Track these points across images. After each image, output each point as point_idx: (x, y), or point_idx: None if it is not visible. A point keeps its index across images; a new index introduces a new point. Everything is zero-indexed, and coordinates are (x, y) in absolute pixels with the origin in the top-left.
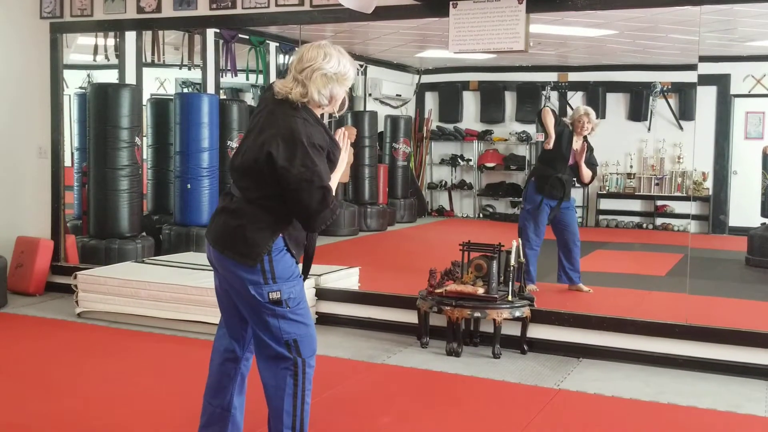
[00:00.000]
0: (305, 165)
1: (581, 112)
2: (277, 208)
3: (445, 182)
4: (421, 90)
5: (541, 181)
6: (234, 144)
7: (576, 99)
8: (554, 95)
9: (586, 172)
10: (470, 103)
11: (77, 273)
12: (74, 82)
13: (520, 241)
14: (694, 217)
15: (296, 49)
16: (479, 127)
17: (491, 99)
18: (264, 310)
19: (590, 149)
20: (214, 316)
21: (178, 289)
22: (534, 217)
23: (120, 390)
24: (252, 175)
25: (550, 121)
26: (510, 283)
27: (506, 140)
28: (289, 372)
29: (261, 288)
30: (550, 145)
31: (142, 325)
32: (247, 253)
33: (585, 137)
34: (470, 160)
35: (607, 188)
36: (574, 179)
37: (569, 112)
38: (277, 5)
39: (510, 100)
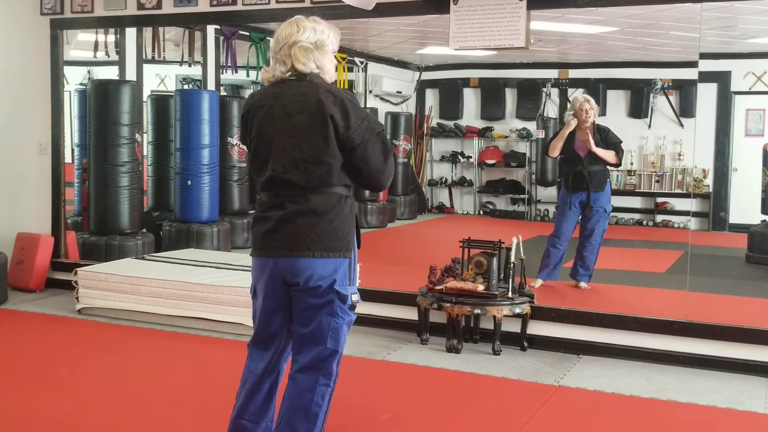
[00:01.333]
0: (359, 117)
1: (580, 102)
2: (350, 185)
3: (446, 179)
4: (421, 87)
5: (565, 179)
6: (235, 140)
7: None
8: (555, 92)
9: (605, 154)
10: (471, 100)
11: (77, 269)
12: (74, 78)
13: (519, 238)
14: (695, 214)
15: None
16: (480, 124)
17: (492, 96)
18: (340, 315)
19: (603, 131)
20: (214, 312)
21: (178, 286)
22: (561, 214)
23: (120, 386)
24: (323, 158)
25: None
26: (510, 280)
27: (506, 137)
28: (329, 390)
29: (347, 289)
30: (554, 153)
31: (143, 321)
32: (340, 246)
33: (594, 122)
34: (470, 157)
35: None
36: (606, 167)
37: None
38: (277, 2)
39: (510, 97)
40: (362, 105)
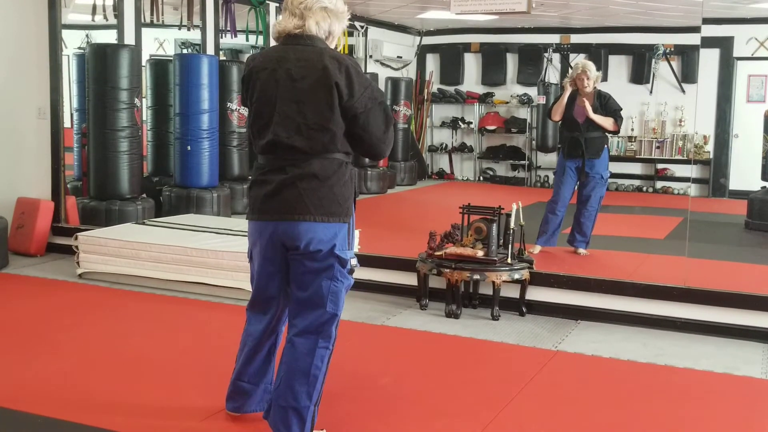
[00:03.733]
0: (363, 85)
1: (579, 70)
2: (350, 152)
3: (446, 145)
4: (422, 52)
5: (562, 145)
6: (234, 105)
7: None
8: (556, 57)
9: (603, 121)
10: (471, 65)
11: (78, 234)
12: (73, 42)
13: (519, 204)
14: (695, 181)
15: None
16: (480, 89)
17: (493, 61)
18: (340, 279)
19: (604, 97)
20: (214, 277)
21: (178, 251)
22: (559, 180)
23: (120, 350)
24: (326, 125)
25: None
26: (509, 245)
27: (507, 103)
28: (328, 352)
29: (346, 253)
30: (556, 117)
31: (143, 286)
32: (340, 210)
33: (595, 88)
34: (471, 122)
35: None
36: (604, 134)
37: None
38: None
39: (512, 62)
40: (363, 70)
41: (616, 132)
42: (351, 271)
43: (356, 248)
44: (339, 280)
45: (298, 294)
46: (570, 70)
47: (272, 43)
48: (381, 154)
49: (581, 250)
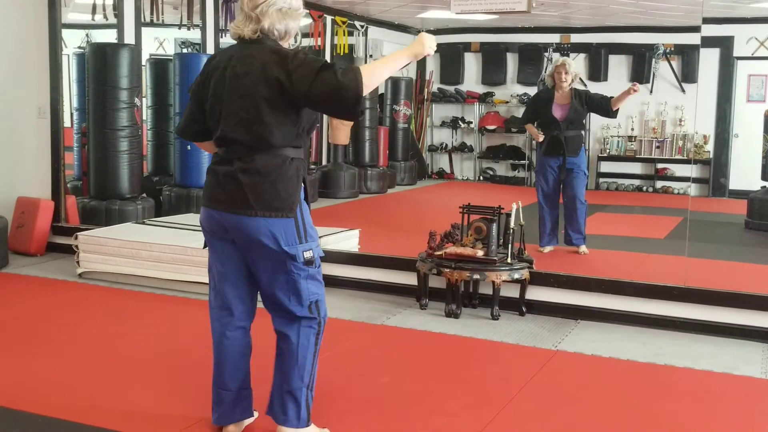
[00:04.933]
0: (306, 59)
1: (557, 64)
2: (300, 146)
3: (446, 145)
4: None
5: (543, 144)
6: None
7: (578, 61)
8: (556, 57)
9: (610, 103)
10: (471, 64)
11: (78, 234)
12: (73, 41)
13: (519, 204)
14: (695, 180)
15: None
16: (480, 89)
17: (493, 61)
18: (296, 272)
19: (583, 94)
20: None
21: (178, 250)
22: (541, 179)
23: (120, 349)
24: (265, 118)
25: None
26: (509, 245)
27: (507, 102)
28: (313, 331)
29: (296, 248)
30: (539, 139)
31: (143, 285)
32: (282, 206)
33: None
34: (471, 122)
35: (607, 151)
36: (581, 132)
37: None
38: None
39: (512, 61)
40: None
41: (612, 115)
42: (308, 263)
43: (356, 248)
44: (294, 272)
45: (262, 288)
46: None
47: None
48: (350, 103)
49: (582, 248)
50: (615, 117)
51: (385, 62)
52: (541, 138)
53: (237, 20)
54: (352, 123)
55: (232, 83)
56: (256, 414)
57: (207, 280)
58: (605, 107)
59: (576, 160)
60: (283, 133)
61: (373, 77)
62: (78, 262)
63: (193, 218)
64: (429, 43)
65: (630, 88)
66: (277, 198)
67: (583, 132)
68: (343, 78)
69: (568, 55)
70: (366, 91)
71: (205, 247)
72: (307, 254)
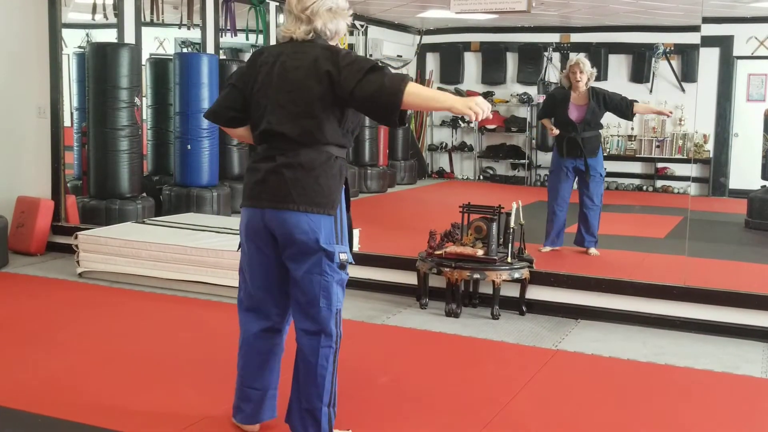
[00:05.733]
0: (358, 58)
1: (572, 63)
2: (345, 145)
3: (446, 144)
4: (422, 51)
5: (558, 145)
6: None
7: None
8: (556, 56)
9: (646, 109)
10: (471, 64)
11: (78, 233)
12: (73, 41)
13: (519, 203)
14: (695, 180)
15: None
16: (480, 88)
17: (493, 60)
18: (330, 274)
19: (600, 93)
20: (214, 276)
21: (178, 250)
22: (556, 179)
23: (120, 349)
24: (314, 112)
25: (545, 123)
26: (509, 244)
27: (507, 102)
28: (332, 350)
29: (333, 247)
30: (554, 134)
31: (143, 285)
32: (325, 202)
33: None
34: (471, 121)
35: (608, 150)
36: (598, 132)
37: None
38: None
39: (511, 61)
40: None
41: (630, 117)
42: (342, 266)
43: (356, 247)
44: (328, 273)
45: (293, 292)
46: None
47: (272, 42)
48: (389, 116)
49: (592, 250)
50: (631, 120)
51: (435, 92)
52: (555, 132)
53: (286, 23)
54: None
55: (281, 77)
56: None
57: (207, 280)
58: (624, 110)
59: (593, 162)
60: (329, 130)
61: (418, 96)
62: (78, 262)
63: (194, 217)
64: (479, 108)
65: (665, 111)
66: (320, 194)
67: (600, 131)
68: (389, 82)
69: (567, 55)
70: (407, 103)
71: (239, 249)
72: (343, 256)
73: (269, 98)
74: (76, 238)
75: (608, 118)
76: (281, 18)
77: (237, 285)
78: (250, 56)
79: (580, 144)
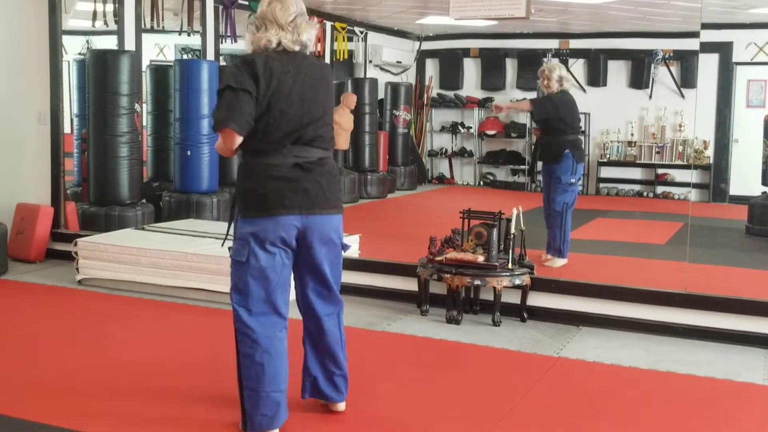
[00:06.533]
0: None
1: (540, 68)
2: None
3: (446, 149)
4: (421, 57)
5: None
6: None
7: (577, 66)
8: (555, 62)
9: (518, 105)
10: (471, 70)
11: (77, 240)
12: (73, 48)
13: (519, 209)
14: (695, 186)
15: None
16: (480, 94)
17: (492, 66)
18: (340, 258)
19: (534, 102)
20: (214, 283)
21: (178, 256)
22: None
23: (119, 356)
24: (327, 122)
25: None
26: (510, 251)
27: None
28: (343, 313)
29: (343, 240)
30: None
31: (142, 292)
32: (341, 203)
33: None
34: (471, 127)
35: (607, 156)
36: (559, 138)
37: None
38: None
39: (511, 67)
40: (362, 75)
41: (530, 111)
42: (344, 247)
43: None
44: (341, 260)
45: (319, 287)
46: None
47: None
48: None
49: (547, 256)
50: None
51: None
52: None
53: (270, 32)
54: (351, 128)
55: (309, 88)
56: None
57: (207, 287)
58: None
59: (555, 167)
60: (331, 136)
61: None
62: (77, 269)
63: (194, 224)
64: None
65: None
66: (339, 196)
67: (564, 138)
68: None
69: (566, 61)
70: None
71: (245, 258)
72: (345, 240)
73: (298, 107)
74: (75, 244)
75: (608, 123)
76: None
77: None
78: (254, 63)
79: (539, 148)
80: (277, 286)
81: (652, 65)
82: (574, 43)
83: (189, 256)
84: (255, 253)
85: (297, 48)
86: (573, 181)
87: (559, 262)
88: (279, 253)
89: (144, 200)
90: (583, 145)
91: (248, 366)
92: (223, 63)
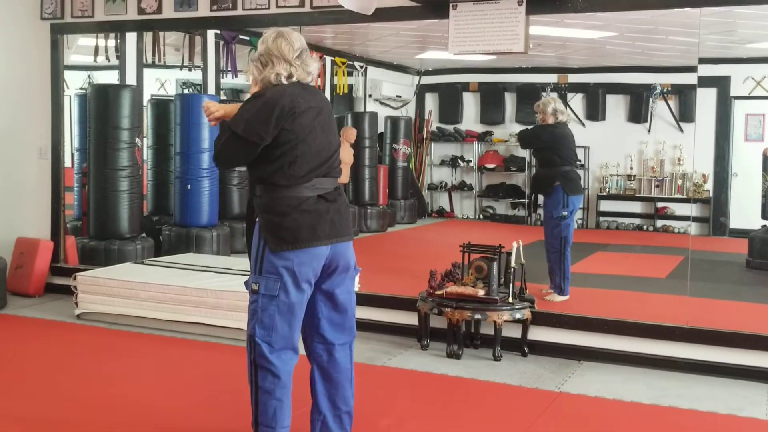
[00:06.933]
0: None
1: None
2: None
3: (446, 183)
4: (421, 91)
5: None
6: None
7: (576, 100)
8: (554, 96)
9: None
10: (470, 104)
11: (77, 274)
12: (75, 82)
13: (520, 242)
14: (695, 219)
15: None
16: (479, 128)
17: (491, 100)
18: (354, 283)
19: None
20: (214, 317)
21: (177, 291)
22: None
23: (119, 392)
24: (338, 152)
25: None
26: (510, 284)
27: (506, 141)
28: (352, 352)
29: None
30: None
31: (142, 326)
32: (352, 230)
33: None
34: (470, 161)
35: (607, 190)
36: (549, 170)
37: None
38: (277, 6)
39: (510, 101)
40: (362, 109)
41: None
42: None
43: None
44: (354, 288)
45: (334, 313)
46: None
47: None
48: None
49: (549, 290)
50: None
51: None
52: None
53: (277, 67)
54: (351, 162)
55: (327, 121)
56: None
57: (207, 321)
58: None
59: (546, 201)
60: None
61: None
62: (76, 303)
63: (193, 258)
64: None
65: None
66: (351, 224)
67: (552, 171)
68: None
69: (565, 95)
70: None
71: (277, 294)
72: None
73: (321, 140)
74: (74, 279)
75: (607, 157)
76: None
77: (237, 326)
78: (278, 102)
79: (532, 180)
80: (299, 322)
81: (651, 99)
82: (573, 78)
83: (188, 290)
84: (286, 289)
85: (309, 79)
86: (565, 214)
87: (560, 298)
88: (308, 289)
89: (144, 234)
90: (581, 179)
91: (266, 402)
92: (223, 97)
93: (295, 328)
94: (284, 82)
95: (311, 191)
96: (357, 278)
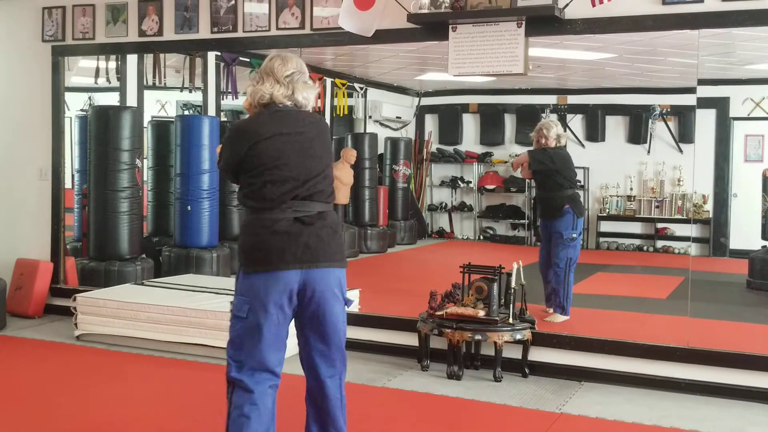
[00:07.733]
0: None
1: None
2: None
3: (446, 204)
4: (421, 112)
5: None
6: None
7: (575, 121)
8: (553, 118)
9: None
10: (470, 125)
11: (76, 295)
12: (75, 104)
13: (520, 263)
14: (695, 240)
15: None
16: (479, 149)
17: (491, 121)
18: (344, 315)
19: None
20: (214, 338)
21: (177, 312)
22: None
23: (118, 413)
24: (327, 176)
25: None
26: (511, 305)
27: (506, 162)
28: (342, 382)
29: (347, 295)
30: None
31: (141, 347)
32: (344, 257)
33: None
34: (470, 182)
35: (607, 211)
36: (559, 193)
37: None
38: (277, 28)
39: (509, 122)
40: (362, 130)
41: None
42: (347, 303)
43: (356, 308)
44: (345, 317)
45: (320, 344)
46: (565, 131)
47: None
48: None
49: (550, 312)
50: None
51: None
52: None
53: (265, 84)
54: (351, 183)
55: (307, 145)
56: None
57: (207, 342)
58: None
59: (555, 222)
60: (332, 190)
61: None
62: (76, 324)
63: (193, 279)
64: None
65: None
66: (342, 250)
67: (562, 194)
68: None
69: (564, 116)
70: None
71: (245, 313)
72: (349, 296)
73: (294, 165)
74: (74, 300)
75: (607, 178)
76: None
77: None
78: (243, 133)
79: (537, 205)
80: (270, 345)
81: (650, 120)
82: (572, 99)
83: (188, 311)
84: (254, 310)
85: (288, 103)
86: (574, 236)
87: (560, 318)
88: (276, 313)
89: (144, 255)
90: (582, 200)
91: (235, 418)
92: (224, 118)
93: (267, 350)
94: (266, 101)
95: (285, 213)
96: (355, 301)
